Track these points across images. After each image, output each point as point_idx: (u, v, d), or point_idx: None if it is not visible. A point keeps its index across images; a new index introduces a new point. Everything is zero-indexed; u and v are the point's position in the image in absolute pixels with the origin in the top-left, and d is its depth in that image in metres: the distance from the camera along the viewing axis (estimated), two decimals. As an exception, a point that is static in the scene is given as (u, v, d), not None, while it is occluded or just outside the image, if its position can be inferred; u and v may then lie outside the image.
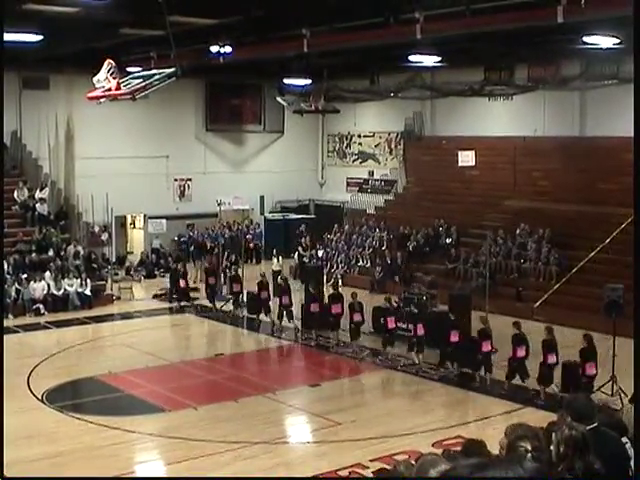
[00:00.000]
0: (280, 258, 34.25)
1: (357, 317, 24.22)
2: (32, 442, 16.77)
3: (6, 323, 28.23)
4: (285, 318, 26.82)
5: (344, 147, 44.34)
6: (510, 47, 27.89)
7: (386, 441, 16.79)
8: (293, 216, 42.53)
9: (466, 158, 32.93)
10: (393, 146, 41.68)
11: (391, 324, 23.39)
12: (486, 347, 20.63)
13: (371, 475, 14.55)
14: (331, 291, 26.78)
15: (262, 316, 27.90)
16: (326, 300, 26.25)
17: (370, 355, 23.88)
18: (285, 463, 16.05)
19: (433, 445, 16.09)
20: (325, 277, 31.70)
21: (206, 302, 30.84)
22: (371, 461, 15.41)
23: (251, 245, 39.91)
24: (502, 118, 36.18)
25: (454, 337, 21.61)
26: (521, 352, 20.00)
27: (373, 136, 42.69)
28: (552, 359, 19.38)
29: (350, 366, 23.77)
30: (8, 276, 30.19)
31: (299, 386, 21.90)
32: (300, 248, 36.83)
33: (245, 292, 29.31)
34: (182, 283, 31.30)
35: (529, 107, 34.67)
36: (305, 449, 17.41)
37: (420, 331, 22.57)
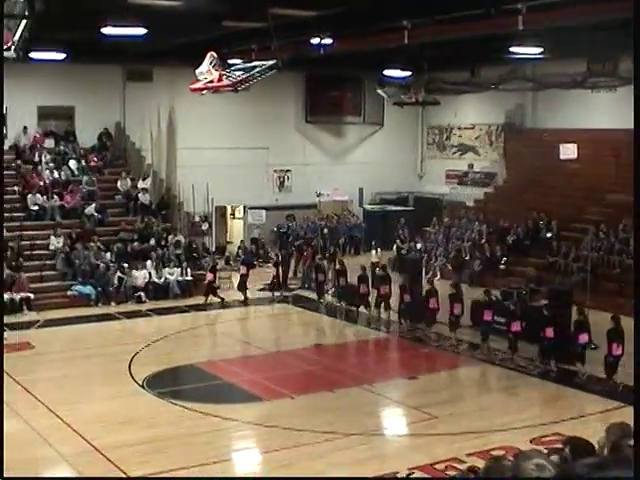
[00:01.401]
0: (379, 250, 34.20)
1: (457, 310, 24.15)
2: (132, 427, 17.10)
3: (109, 310, 28.99)
4: (383, 310, 27.05)
5: (444, 139, 44.06)
6: (615, 37, 27.36)
7: (483, 436, 16.66)
8: (392, 208, 42.46)
9: (568, 151, 32.42)
10: (493, 138, 41.28)
11: (487, 316, 23.25)
12: (617, 350, 19.77)
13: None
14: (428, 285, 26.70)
15: (361, 308, 28.06)
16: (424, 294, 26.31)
17: (468, 348, 23.76)
18: (380, 455, 16.06)
19: (531, 441, 15.96)
20: (424, 269, 31.61)
21: (304, 292, 31.19)
22: (468, 455, 15.31)
23: (350, 237, 40.05)
24: (605, 110, 35.51)
25: (549, 333, 21.33)
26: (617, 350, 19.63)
27: (473, 128, 42.33)
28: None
29: (447, 359, 23.67)
30: (111, 264, 30.83)
31: (396, 378, 21.88)
32: (399, 240, 36.74)
33: (344, 284, 29.48)
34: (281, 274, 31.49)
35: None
36: (401, 442, 17.40)
37: (515, 328, 22.35)
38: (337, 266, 30.34)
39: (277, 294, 31.24)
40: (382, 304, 27.06)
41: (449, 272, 33.44)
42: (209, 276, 30.68)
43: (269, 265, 34.77)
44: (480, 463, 13.53)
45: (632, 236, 30.29)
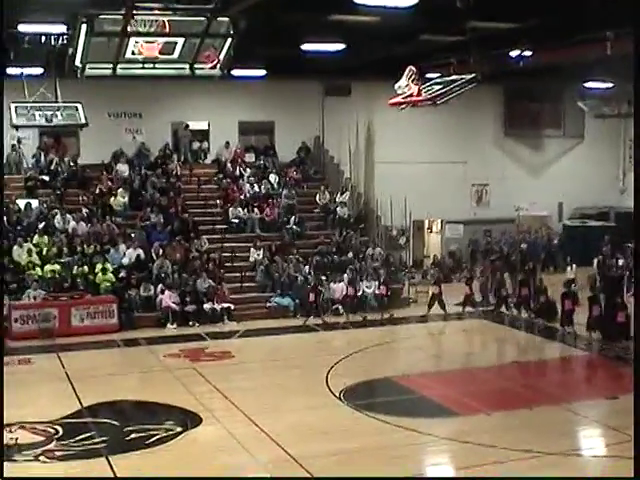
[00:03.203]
0: (574, 266, 33.41)
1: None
2: (329, 438, 17.23)
3: (306, 322, 29.38)
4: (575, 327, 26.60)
5: (648, 152, 42.72)
6: None
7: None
8: (592, 223, 41.47)
9: None
10: (700, 150, 39.75)
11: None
12: None
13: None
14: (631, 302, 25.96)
15: (558, 325, 27.58)
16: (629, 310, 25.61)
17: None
18: (578, 476, 15.66)
19: None
20: (625, 287, 30.70)
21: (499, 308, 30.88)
22: (671, 479, 14.74)
23: (549, 253, 39.43)
24: None
25: None
26: None
27: (679, 140, 40.89)
28: None
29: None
30: (309, 276, 31.29)
31: (595, 398, 21.29)
32: (600, 256, 35.78)
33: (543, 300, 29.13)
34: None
35: None
36: (599, 463, 16.91)
37: None
38: (537, 282, 30.03)
39: (470, 310, 31.03)
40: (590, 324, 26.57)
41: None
42: (434, 289, 30.92)
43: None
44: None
45: None
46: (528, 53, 26.39)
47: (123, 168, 34.73)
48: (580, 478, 14.93)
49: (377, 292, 31.29)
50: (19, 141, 33.66)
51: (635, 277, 21.23)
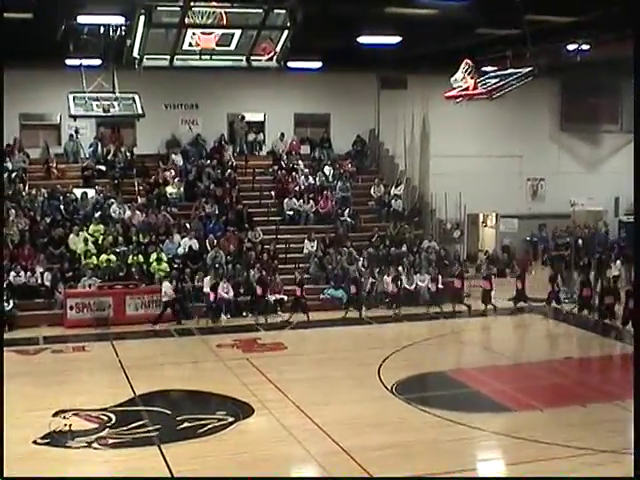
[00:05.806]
0: (618, 262, 33.07)
1: None
2: (380, 430, 17.23)
3: (359, 314, 29.40)
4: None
5: None
6: None
7: None
8: (649, 219, 41.03)
9: None
10: None
11: None
12: None
13: None
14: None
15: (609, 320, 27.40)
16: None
17: None
18: (631, 475, 15.49)
19: None
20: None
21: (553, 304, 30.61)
22: None
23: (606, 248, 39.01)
24: None
25: None
26: None
27: None
28: None
29: None
30: (363, 269, 31.30)
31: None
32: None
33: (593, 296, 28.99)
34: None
35: None
36: (653, 461, 16.75)
37: None
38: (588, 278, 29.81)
39: (522, 304, 30.77)
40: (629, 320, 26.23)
41: None
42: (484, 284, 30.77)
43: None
44: None
45: None
46: (585, 47, 26.15)
47: (177, 158, 34.97)
48: (577, 478, 14.77)
49: (430, 286, 31.21)
50: (77, 131, 34.13)
51: (636, 277, 20.97)
